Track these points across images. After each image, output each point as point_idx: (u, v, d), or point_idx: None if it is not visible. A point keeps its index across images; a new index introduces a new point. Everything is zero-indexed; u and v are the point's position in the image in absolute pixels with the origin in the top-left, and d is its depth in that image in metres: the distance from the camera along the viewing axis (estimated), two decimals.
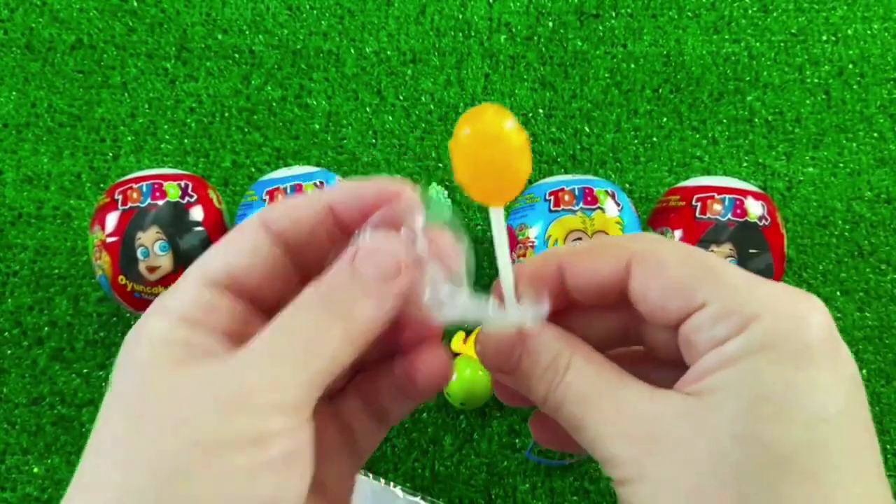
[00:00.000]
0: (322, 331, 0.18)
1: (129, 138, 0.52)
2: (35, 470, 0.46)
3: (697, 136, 0.53)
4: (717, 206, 0.43)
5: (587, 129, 0.53)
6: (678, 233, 0.43)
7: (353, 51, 0.54)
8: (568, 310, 0.21)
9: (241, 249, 0.20)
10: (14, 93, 0.53)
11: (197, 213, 0.44)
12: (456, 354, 0.45)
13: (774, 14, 0.56)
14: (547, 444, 0.23)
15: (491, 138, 0.19)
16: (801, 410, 0.16)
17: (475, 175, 0.19)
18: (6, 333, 0.49)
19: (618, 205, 0.43)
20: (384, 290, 0.19)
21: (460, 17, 0.55)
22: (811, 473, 0.16)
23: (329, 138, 0.53)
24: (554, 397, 0.20)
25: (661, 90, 0.54)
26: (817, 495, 0.16)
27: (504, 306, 0.21)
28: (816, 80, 0.54)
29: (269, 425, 0.16)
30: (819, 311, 0.18)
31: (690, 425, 0.17)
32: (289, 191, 0.43)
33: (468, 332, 0.45)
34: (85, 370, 0.48)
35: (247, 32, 0.54)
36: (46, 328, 0.49)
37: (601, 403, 0.19)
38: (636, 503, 0.17)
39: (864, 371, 0.48)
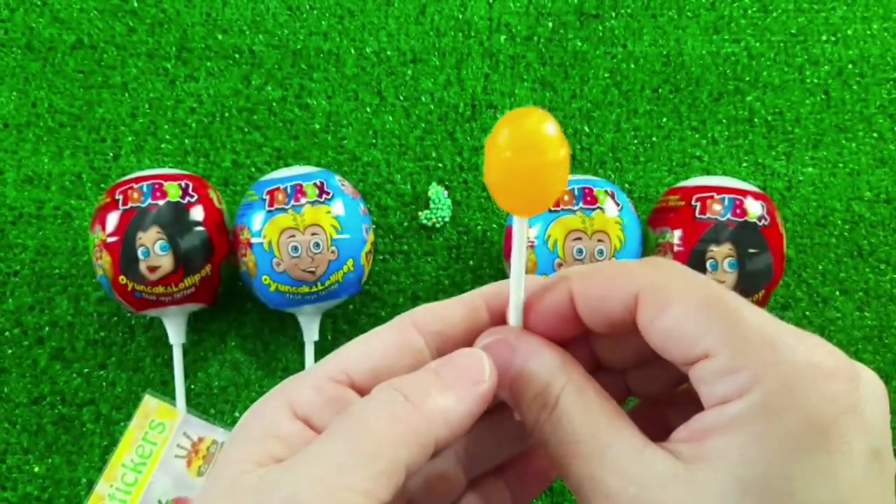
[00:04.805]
0: (387, 427, 0.16)
1: (130, 138, 0.52)
2: (36, 469, 0.46)
3: (697, 135, 0.53)
4: (717, 206, 0.43)
5: (587, 129, 0.54)
6: (678, 232, 0.43)
7: (353, 51, 0.54)
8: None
9: (387, 346, 0.19)
10: (14, 93, 0.53)
11: (197, 213, 0.44)
12: None
13: (774, 14, 0.56)
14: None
15: (529, 147, 0.16)
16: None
17: (505, 181, 0.17)
18: (7, 333, 0.49)
19: (617, 204, 0.43)
20: (466, 389, 0.18)
21: (460, 17, 0.55)
22: None
23: (329, 138, 0.53)
24: (541, 432, 0.18)
25: (660, 90, 0.54)
26: None
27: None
28: (816, 81, 0.54)
29: None
30: (840, 377, 0.15)
31: (674, 500, 0.15)
32: (289, 190, 0.43)
33: None
34: (85, 370, 0.48)
35: (247, 32, 0.54)
36: (47, 328, 0.49)
37: (587, 450, 0.17)
38: None
39: None
